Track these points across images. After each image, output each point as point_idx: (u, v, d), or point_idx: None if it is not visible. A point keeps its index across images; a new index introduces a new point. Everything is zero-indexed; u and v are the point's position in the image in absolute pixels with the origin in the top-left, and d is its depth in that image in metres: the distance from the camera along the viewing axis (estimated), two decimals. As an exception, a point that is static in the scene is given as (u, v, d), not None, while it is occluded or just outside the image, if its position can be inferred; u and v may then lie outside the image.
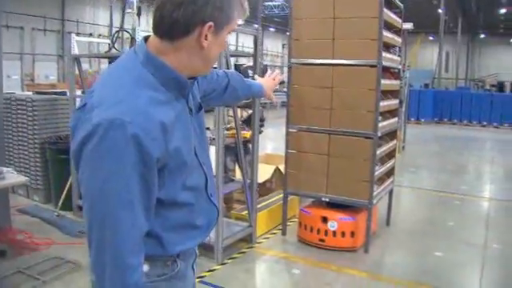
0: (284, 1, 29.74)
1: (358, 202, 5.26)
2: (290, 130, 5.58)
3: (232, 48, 27.31)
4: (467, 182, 9.54)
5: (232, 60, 5.10)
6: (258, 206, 5.77)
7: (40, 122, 6.67)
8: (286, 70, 7.13)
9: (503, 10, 29.14)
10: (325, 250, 5.33)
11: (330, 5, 5.15)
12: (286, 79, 5.60)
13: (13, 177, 4.62)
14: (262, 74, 2.80)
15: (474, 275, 4.98)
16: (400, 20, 5.88)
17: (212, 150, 4.43)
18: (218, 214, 1.80)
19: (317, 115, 5.36)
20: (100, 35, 23.73)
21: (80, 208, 6.20)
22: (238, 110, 5.31)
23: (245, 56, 8.42)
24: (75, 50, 6.35)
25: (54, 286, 4.32)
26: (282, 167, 6.12)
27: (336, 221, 5.29)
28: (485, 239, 5.96)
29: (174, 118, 1.47)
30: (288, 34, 5.67)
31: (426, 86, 28.38)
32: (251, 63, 5.73)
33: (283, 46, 41.87)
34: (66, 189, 6.25)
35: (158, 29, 1.47)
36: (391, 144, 5.98)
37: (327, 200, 5.40)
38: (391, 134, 6.00)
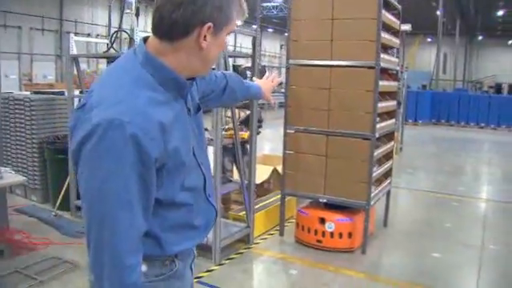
0: (282, 1, 29.77)
1: (355, 203, 5.27)
2: (288, 130, 5.58)
3: (230, 49, 27.33)
4: (464, 184, 9.56)
5: (230, 61, 5.10)
6: (256, 206, 5.78)
7: (38, 121, 6.66)
8: (283, 70, 7.14)
9: (501, 12, 29.20)
10: (322, 250, 5.34)
11: (329, 6, 5.16)
12: (283, 80, 5.60)
13: (10, 176, 4.63)
14: (261, 75, 2.81)
15: (471, 276, 4.99)
16: (398, 21, 5.90)
17: (210, 150, 4.44)
18: (216, 214, 1.81)
19: (315, 116, 5.37)
20: (98, 35, 23.70)
21: (78, 208, 6.20)
22: (236, 111, 5.32)
23: (243, 57, 8.43)
24: (74, 50, 6.35)
25: (51, 286, 4.32)
26: (279, 168, 6.12)
27: (333, 222, 5.29)
28: (482, 240, 5.98)
29: (173, 119, 1.47)
30: (286, 34, 5.68)
31: (424, 87, 28.48)
32: (249, 64, 5.74)
33: (281, 46, 41.90)
34: (64, 189, 6.24)
35: (157, 29, 1.48)
36: (389, 145, 5.99)
37: (325, 201, 5.41)
38: (389, 136, 6.01)
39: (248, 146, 5.50)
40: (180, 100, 1.56)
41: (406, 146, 13.34)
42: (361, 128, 5.13)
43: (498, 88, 33.43)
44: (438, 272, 5.00)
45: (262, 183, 6.71)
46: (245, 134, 5.47)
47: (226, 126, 5.34)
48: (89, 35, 22.94)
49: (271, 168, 6.94)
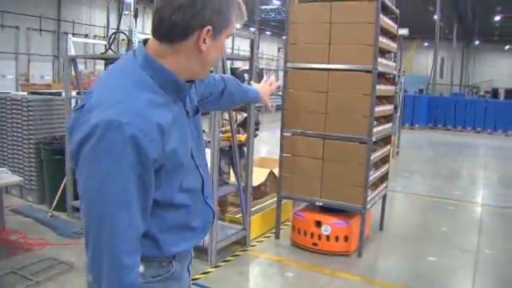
0: (281, 5, 29.80)
1: (351, 207, 5.28)
2: (285, 133, 5.59)
3: (228, 51, 27.34)
4: (461, 188, 9.58)
5: (228, 63, 5.10)
6: (252, 209, 5.77)
7: (35, 122, 6.65)
8: (281, 73, 7.14)
9: (498, 18, 29.31)
10: (318, 253, 5.34)
11: (327, 10, 5.17)
12: (281, 83, 5.61)
13: (7, 177, 4.63)
14: (258, 78, 2.83)
15: (467, 280, 5.00)
16: (396, 26, 5.92)
17: (207, 152, 4.44)
18: (214, 216, 1.82)
19: (312, 119, 5.38)
20: (96, 36, 23.70)
21: (74, 209, 6.20)
22: (234, 114, 5.32)
23: (241, 60, 8.43)
24: (72, 51, 6.35)
25: (47, 287, 4.31)
26: (276, 171, 6.13)
27: (329, 225, 5.30)
28: (477, 245, 6.00)
29: (172, 121, 1.48)
30: (284, 37, 5.69)
31: (421, 91, 28.54)
32: (247, 67, 5.74)
33: (279, 49, 41.93)
34: (61, 189, 6.23)
35: (157, 32, 1.49)
36: (385, 149, 6.01)
37: (321, 204, 5.42)
38: (385, 139, 6.03)
39: (245, 149, 5.51)
40: (179, 102, 1.57)
41: (403, 150, 13.35)
42: (358, 132, 5.15)
43: (494, 93, 33.58)
44: (433, 276, 5.01)
45: (259, 186, 6.71)
46: (242, 137, 5.48)
47: (223, 129, 5.35)
48: (86, 36, 22.95)
49: (268, 171, 6.94)
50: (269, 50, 41.96)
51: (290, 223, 5.94)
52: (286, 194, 5.71)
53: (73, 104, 6.29)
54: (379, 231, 6.26)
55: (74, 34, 18.42)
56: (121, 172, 1.35)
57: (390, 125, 6.12)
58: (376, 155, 5.53)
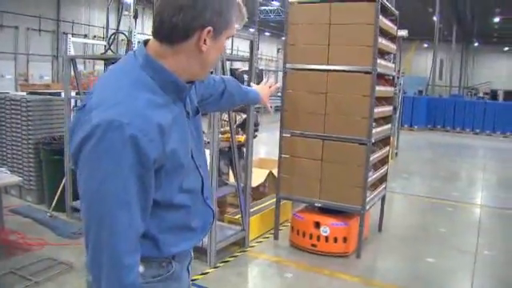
0: (280, 5, 29.80)
1: (350, 208, 5.28)
2: (284, 134, 5.60)
3: (227, 52, 27.33)
4: (459, 189, 9.60)
5: (227, 64, 5.11)
6: (251, 210, 5.78)
7: (34, 122, 6.65)
8: (280, 74, 7.14)
9: (497, 19, 29.32)
10: (317, 255, 5.35)
11: (326, 11, 5.18)
12: (280, 85, 5.61)
13: (6, 177, 4.64)
14: (259, 79, 2.84)
15: (465, 281, 5.01)
16: (395, 27, 5.92)
17: (206, 153, 4.44)
18: (214, 216, 1.82)
19: (311, 120, 5.38)
20: (95, 36, 23.66)
21: (73, 209, 6.19)
22: (233, 115, 5.33)
23: (241, 60, 8.43)
24: (71, 51, 6.36)
25: (46, 287, 4.31)
26: (275, 171, 6.13)
27: (328, 226, 5.30)
28: (476, 246, 6.00)
29: (172, 121, 1.49)
30: (283, 38, 5.69)
31: (420, 92, 28.54)
32: (246, 67, 5.74)
33: (278, 50, 41.91)
34: (60, 190, 6.23)
35: (157, 33, 1.49)
36: (384, 150, 6.02)
37: (320, 205, 5.42)
38: (384, 141, 6.04)
39: (244, 150, 5.51)
40: (179, 103, 1.57)
41: (402, 151, 13.37)
42: (357, 133, 5.15)
43: (493, 94, 33.61)
44: (432, 277, 5.01)
45: (258, 186, 6.71)
46: (241, 138, 5.48)
47: (222, 129, 5.35)
48: (85, 36, 22.91)
49: (267, 171, 6.94)
50: (268, 50, 41.94)
51: (289, 224, 5.94)
52: (284, 195, 5.71)
53: (72, 104, 6.30)
54: (378, 232, 6.27)
55: (73, 35, 18.39)
56: (121, 172, 1.35)
57: (389, 126, 6.13)
58: (375, 156, 5.53)
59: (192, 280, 4.42)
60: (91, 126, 1.35)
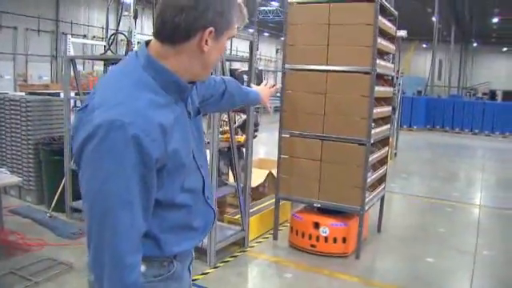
0: (279, 6, 29.81)
1: (349, 208, 5.29)
2: (283, 135, 5.60)
3: (226, 52, 27.29)
4: (458, 189, 9.61)
5: (227, 64, 5.12)
6: (251, 210, 5.78)
7: (34, 122, 6.65)
8: (279, 74, 7.14)
9: (496, 20, 29.34)
10: (316, 255, 5.35)
11: (325, 11, 5.18)
12: (279, 85, 5.62)
13: (6, 177, 4.64)
14: (258, 80, 2.85)
15: (465, 281, 5.02)
16: (394, 27, 5.93)
17: (206, 153, 4.45)
18: (215, 216, 1.83)
19: (310, 121, 5.39)
20: (94, 37, 23.66)
21: (73, 210, 6.19)
22: (232, 115, 5.33)
23: (240, 61, 8.44)
24: (71, 52, 6.36)
25: (46, 287, 4.31)
26: (274, 172, 6.13)
27: (328, 226, 5.31)
28: (475, 246, 6.01)
29: (173, 121, 1.49)
30: (282, 39, 5.70)
31: (419, 93, 28.60)
32: (245, 68, 5.75)
33: (277, 50, 41.91)
34: (59, 190, 6.22)
35: (159, 33, 1.50)
36: (383, 150, 6.02)
37: (319, 206, 5.43)
38: (383, 141, 6.04)
39: (244, 150, 5.52)
40: (180, 103, 1.58)
41: (401, 152, 13.38)
42: (356, 133, 5.16)
43: (492, 95, 33.64)
44: (431, 277, 5.02)
45: (257, 187, 6.72)
46: (241, 138, 5.48)
47: (221, 129, 5.35)
48: (85, 36, 22.91)
49: (266, 172, 6.95)
50: (267, 51, 41.94)
51: (288, 225, 5.95)
52: (284, 196, 5.72)
53: (72, 105, 6.30)
54: (377, 233, 6.27)
55: (72, 35, 18.37)
56: (123, 172, 1.36)
57: (388, 126, 6.14)
58: (374, 157, 5.54)
59: (192, 280, 4.41)
60: (93, 125, 1.36)
